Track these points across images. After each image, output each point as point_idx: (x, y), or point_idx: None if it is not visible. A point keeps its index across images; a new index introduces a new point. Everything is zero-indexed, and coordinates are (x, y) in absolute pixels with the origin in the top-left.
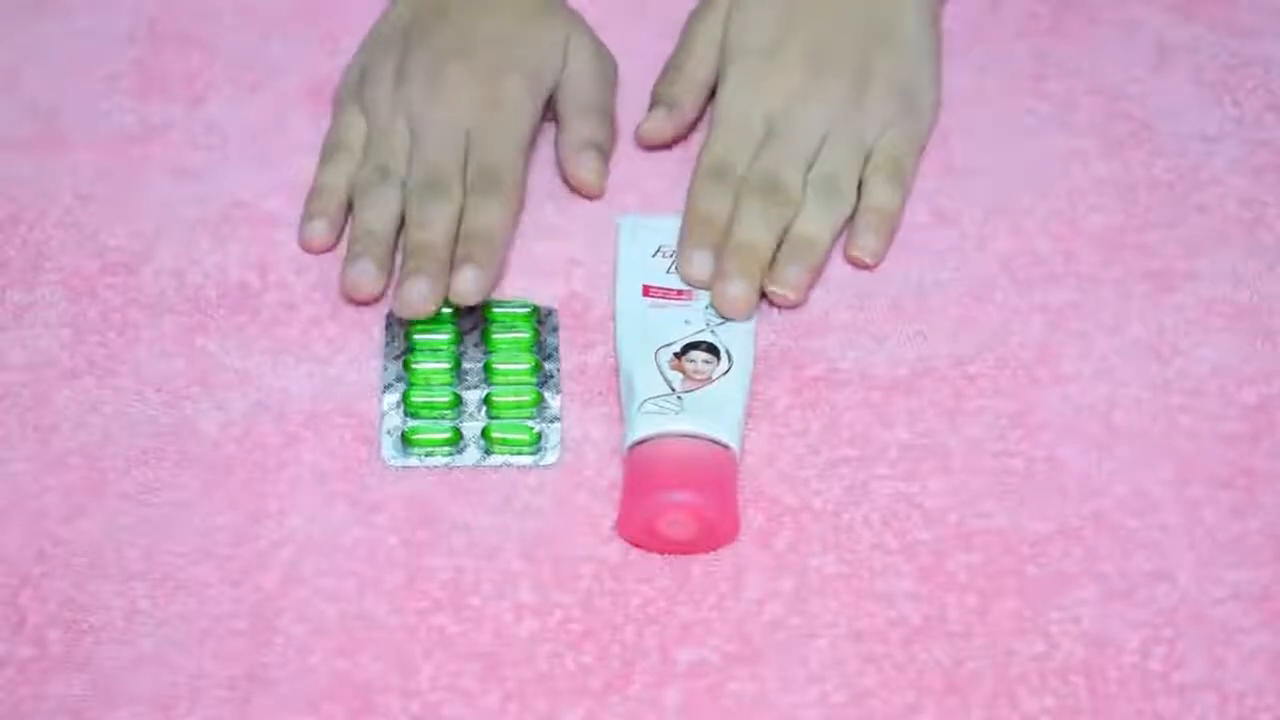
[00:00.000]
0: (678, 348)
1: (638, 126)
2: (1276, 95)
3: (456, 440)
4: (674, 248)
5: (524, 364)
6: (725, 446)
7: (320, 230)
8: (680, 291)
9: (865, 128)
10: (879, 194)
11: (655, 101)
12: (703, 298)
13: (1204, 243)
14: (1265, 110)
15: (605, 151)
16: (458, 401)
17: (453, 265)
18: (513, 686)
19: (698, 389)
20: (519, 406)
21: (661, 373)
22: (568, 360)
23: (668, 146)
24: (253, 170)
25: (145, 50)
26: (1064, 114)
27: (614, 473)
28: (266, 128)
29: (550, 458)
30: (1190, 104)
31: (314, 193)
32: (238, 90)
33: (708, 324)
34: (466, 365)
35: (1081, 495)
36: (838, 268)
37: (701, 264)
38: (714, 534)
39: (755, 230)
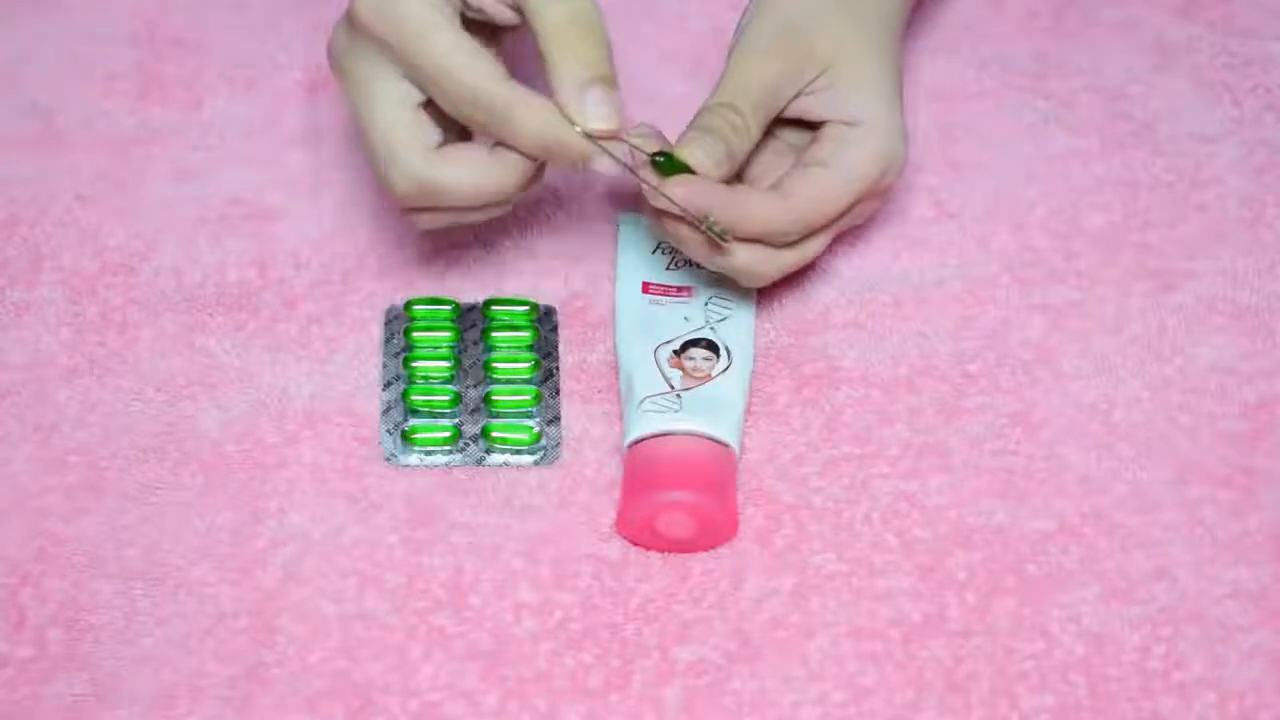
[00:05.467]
0: (677, 345)
1: None
2: (1276, 95)
3: (456, 439)
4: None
5: (524, 362)
6: (724, 445)
7: None
8: (680, 289)
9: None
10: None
11: None
12: (702, 294)
13: (1204, 242)
14: (1265, 110)
15: None
16: (457, 400)
17: None
18: (513, 686)
19: (697, 387)
20: (519, 405)
21: (661, 371)
22: (567, 358)
23: None
24: (251, 168)
25: (144, 51)
26: (1064, 113)
27: (614, 471)
28: (263, 125)
29: (550, 457)
30: (1190, 104)
31: None
32: (234, 89)
33: (707, 321)
34: (466, 363)
35: (1081, 493)
36: (838, 266)
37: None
38: (713, 532)
39: None
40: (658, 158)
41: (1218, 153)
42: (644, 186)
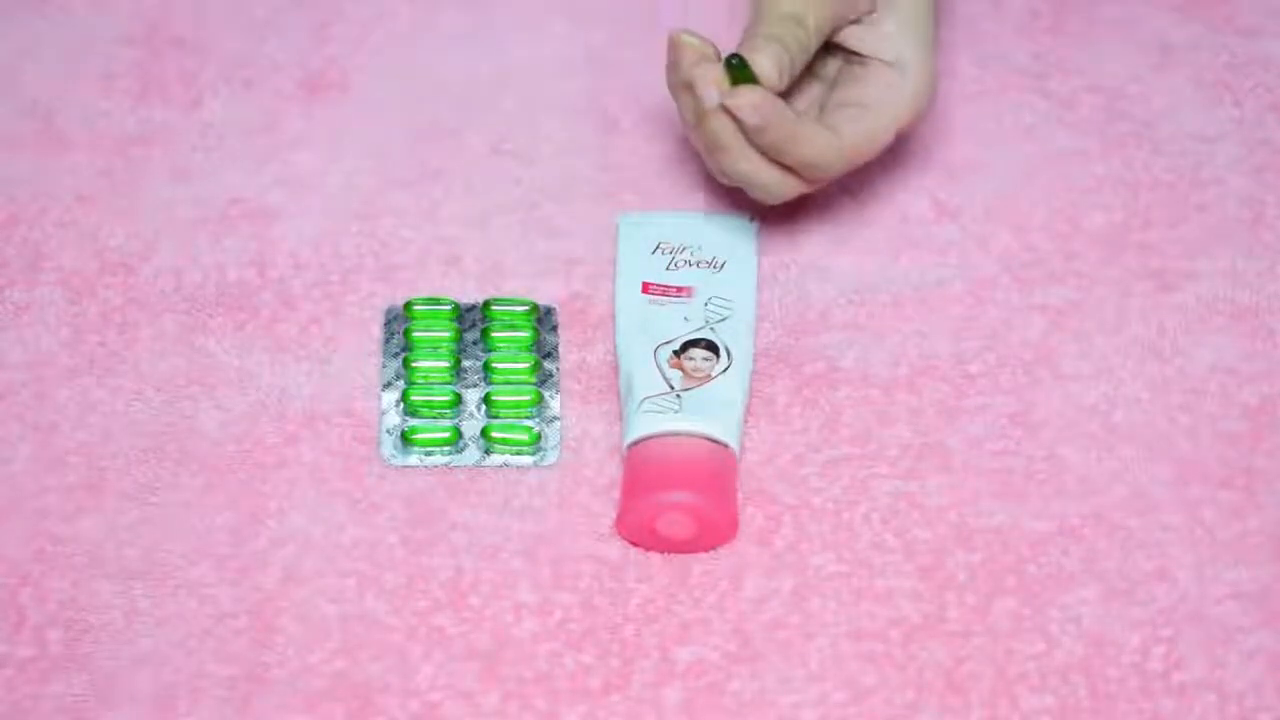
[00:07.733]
0: (677, 345)
1: None
2: (1276, 95)
3: (456, 439)
4: (673, 244)
5: (524, 363)
6: (724, 446)
7: None
8: (680, 289)
9: None
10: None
11: None
12: (702, 294)
13: (1204, 242)
14: (1265, 110)
15: None
16: (457, 400)
17: None
18: (513, 686)
19: (697, 387)
20: (518, 406)
21: (661, 371)
22: (567, 358)
23: None
24: (250, 168)
25: (144, 51)
26: (1064, 113)
27: (614, 472)
28: (263, 125)
29: (550, 457)
30: (1190, 104)
31: None
32: (234, 88)
33: (707, 321)
34: (466, 364)
35: (1081, 494)
36: (838, 266)
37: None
38: (713, 533)
39: None
40: (732, 60)
41: (1218, 153)
42: (700, 83)
